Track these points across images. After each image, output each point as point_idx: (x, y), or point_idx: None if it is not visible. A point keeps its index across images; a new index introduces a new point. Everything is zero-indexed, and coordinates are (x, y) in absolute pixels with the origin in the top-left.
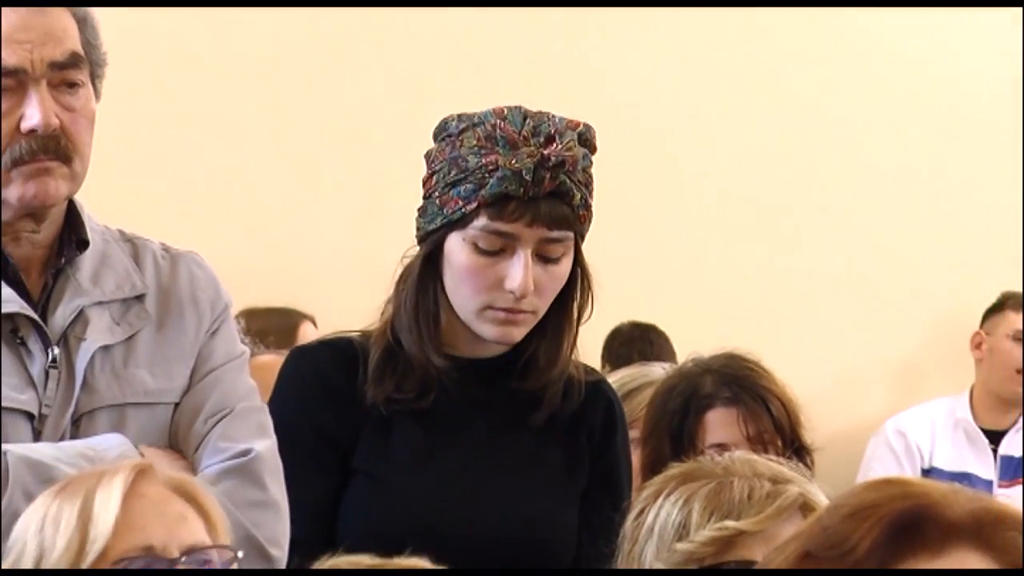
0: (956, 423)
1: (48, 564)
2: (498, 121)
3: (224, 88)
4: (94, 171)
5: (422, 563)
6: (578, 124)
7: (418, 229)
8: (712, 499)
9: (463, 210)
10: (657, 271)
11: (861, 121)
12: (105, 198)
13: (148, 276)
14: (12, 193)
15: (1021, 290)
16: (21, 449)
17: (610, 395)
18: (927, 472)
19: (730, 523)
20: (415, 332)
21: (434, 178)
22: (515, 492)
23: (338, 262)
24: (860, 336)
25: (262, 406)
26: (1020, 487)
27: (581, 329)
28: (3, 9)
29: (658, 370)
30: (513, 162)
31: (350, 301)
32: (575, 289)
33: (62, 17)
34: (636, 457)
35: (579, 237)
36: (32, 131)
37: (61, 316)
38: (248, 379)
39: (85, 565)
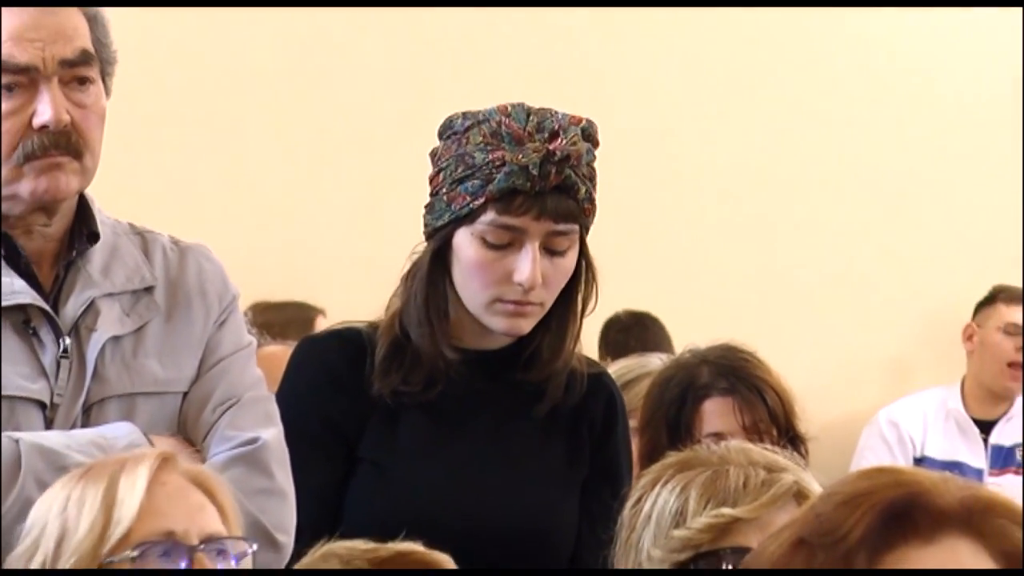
0: (948, 413)
1: (70, 544)
2: (503, 118)
3: (232, 86)
4: (105, 166)
5: (415, 547)
6: (581, 120)
7: (426, 226)
8: (708, 487)
9: (471, 206)
10: (655, 266)
11: (857, 119)
12: (116, 193)
13: (157, 268)
14: (24, 187)
15: (1014, 284)
16: (33, 437)
17: (611, 387)
18: (919, 461)
19: (726, 510)
20: (426, 326)
21: (441, 175)
22: (518, 482)
23: (344, 257)
24: (854, 328)
25: (269, 395)
26: (1010, 476)
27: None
28: (15, 8)
29: (656, 361)
30: (520, 157)
31: (356, 296)
32: (579, 282)
33: (73, 16)
34: (634, 446)
35: (584, 230)
36: (44, 127)
37: (72, 307)
38: (255, 369)
39: (107, 547)
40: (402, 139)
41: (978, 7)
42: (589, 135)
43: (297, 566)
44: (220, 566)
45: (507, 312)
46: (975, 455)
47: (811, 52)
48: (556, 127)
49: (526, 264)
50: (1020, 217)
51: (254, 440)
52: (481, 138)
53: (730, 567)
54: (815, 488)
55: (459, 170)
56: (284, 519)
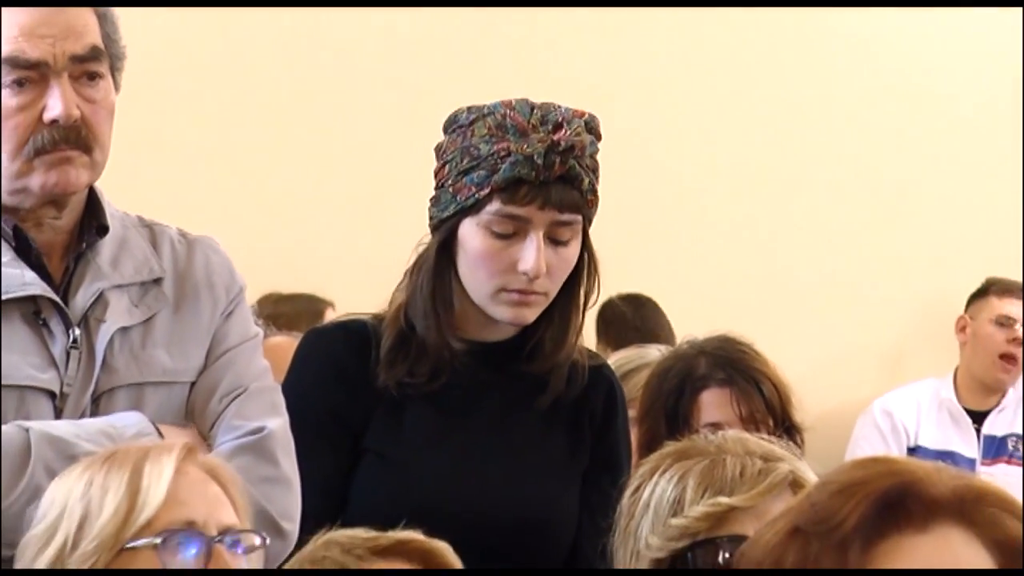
0: (941, 403)
1: (93, 527)
2: (507, 111)
3: (239, 81)
4: (114, 160)
5: (415, 535)
6: (584, 113)
7: (431, 218)
8: (706, 476)
9: (476, 196)
10: (653, 259)
11: (855, 116)
12: (125, 186)
13: (165, 260)
14: (35, 181)
15: (1006, 276)
16: (43, 426)
17: (611, 379)
18: (912, 451)
19: (723, 499)
20: (432, 317)
21: (446, 168)
22: (520, 473)
23: (351, 250)
24: (849, 320)
25: (275, 385)
26: (1002, 465)
27: None
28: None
29: (654, 352)
30: (524, 147)
31: (363, 288)
32: (582, 274)
33: (83, 12)
34: (633, 436)
35: (587, 221)
36: (54, 122)
37: (82, 299)
38: (261, 359)
39: (130, 532)
40: (408, 133)
41: (978, 7)
42: (592, 128)
43: (299, 554)
44: (235, 559)
45: (512, 301)
46: (968, 445)
47: (810, 48)
48: (560, 119)
49: (531, 253)
50: (1013, 211)
51: (260, 429)
52: (486, 130)
53: (727, 555)
54: (810, 477)
55: (464, 162)
56: (289, 507)
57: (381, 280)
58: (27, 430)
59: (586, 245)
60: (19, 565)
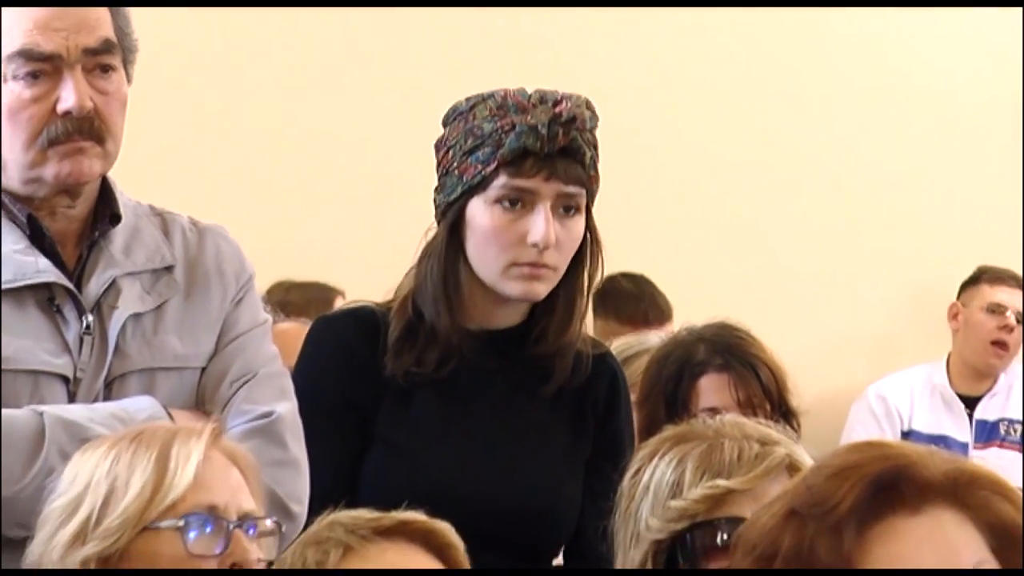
0: (934, 389)
1: (118, 505)
2: (506, 93)
3: (249, 71)
4: (126, 150)
5: (418, 516)
6: (580, 95)
7: (437, 206)
8: (704, 459)
9: (483, 173)
10: (649, 247)
11: (848, 105)
12: (137, 176)
13: (177, 248)
14: (49, 171)
15: (998, 264)
16: (56, 410)
17: (614, 367)
18: (906, 435)
19: (721, 482)
20: (443, 302)
21: (450, 153)
22: (525, 461)
23: (358, 239)
24: (843, 308)
25: (284, 371)
26: (994, 449)
27: None
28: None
29: (654, 338)
30: (528, 119)
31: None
32: (585, 256)
33: (95, 7)
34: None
35: (590, 198)
36: (67, 113)
37: (95, 286)
38: (270, 345)
39: (154, 512)
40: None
41: (978, 7)
42: (590, 107)
43: (304, 535)
44: (252, 544)
45: (523, 275)
46: (960, 429)
47: (809, 42)
48: (559, 97)
49: (539, 224)
50: (1004, 201)
51: (269, 413)
52: (487, 112)
53: (725, 536)
54: (806, 461)
55: (468, 142)
56: (298, 489)
57: (389, 269)
58: (41, 414)
59: (589, 227)
60: (39, 537)
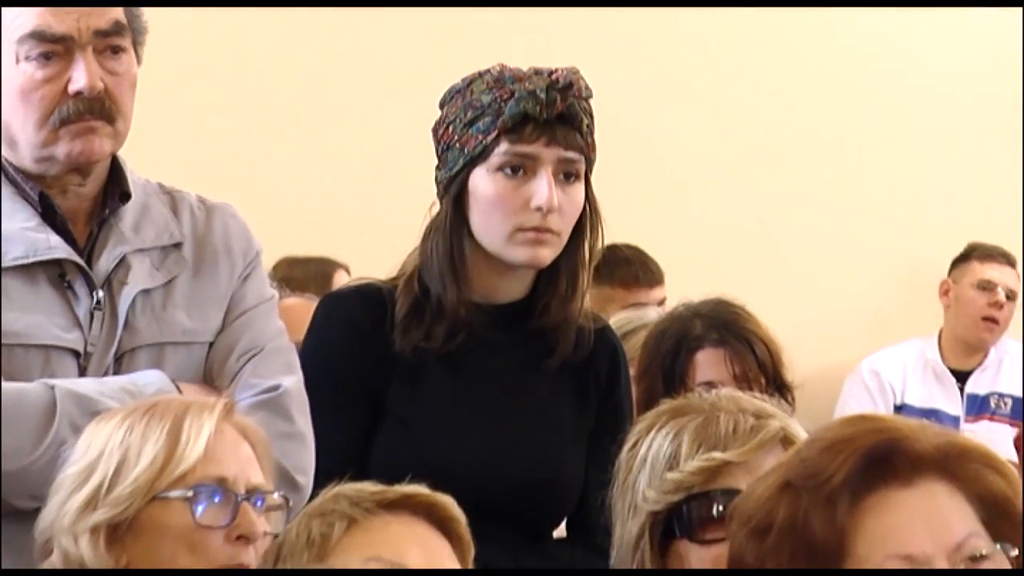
0: (926, 363)
1: (129, 474)
2: (502, 67)
3: (255, 52)
4: (136, 130)
5: (421, 489)
6: (573, 67)
7: (439, 182)
8: (700, 432)
9: (484, 143)
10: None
11: (844, 83)
12: (146, 155)
13: (185, 226)
14: (60, 150)
15: (988, 241)
16: (67, 384)
17: (614, 341)
18: (899, 409)
19: (717, 454)
20: (449, 275)
21: (450, 128)
22: (531, 434)
23: (362, 216)
24: (836, 284)
25: (290, 345)
26: (984, 422)
27: None
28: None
29: (652, 313)
30: (527, 85)
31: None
32: (585, 228)
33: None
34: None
35: (588, 166)
36: (79, 93)
37: (105, 262)
38: (277, 320)
39: (165, 482)
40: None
41: (978, 7)
42: (583, 78)
43: (308, 507)
44: (260, 517)
45: (528, 240)
46: (952, 403)
47: (808, 25)
48: (553, 68)
49: (543, 188)
50: (995, 178)
51: (276, 387)
52: (484, 85)
53: (721, 508)
54: (801, 434)
55: (468, 115)
56: (304, 461)
57: (396, 245)
58: (52, 387)
59: (589, 198)
60: (52, 503)
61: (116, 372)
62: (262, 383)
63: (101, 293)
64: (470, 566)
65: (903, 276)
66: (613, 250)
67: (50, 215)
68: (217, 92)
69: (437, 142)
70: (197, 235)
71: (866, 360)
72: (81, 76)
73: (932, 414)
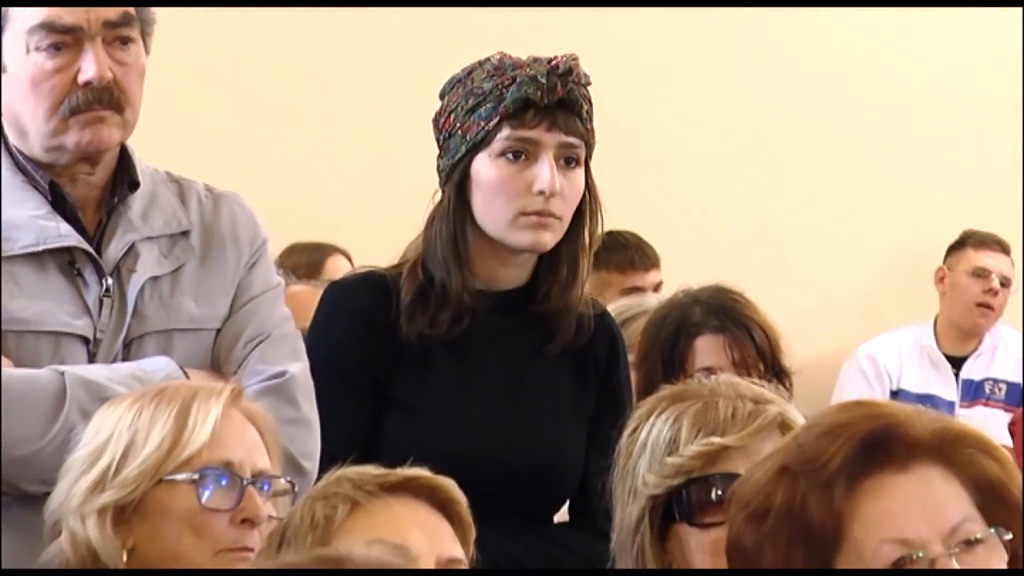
0: (922, 349)
1: (137, 456)
2: (502, 55)
3: (260, 42)
4: (145, 119)
5: (422, 472)
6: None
7: (441, 170)
8: (699, 417)
9: (486, 128)
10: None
11: (839, 74)
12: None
13: (193, 214)
14: (70, 139)
15: (982, 228)
16: (77, 370)
17: (613, 327)
18: (895, 394)
19: (715, 439)
20: (453, 261)
21: (451, 116)
22: (533, 419)
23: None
24: (836, 271)
25: (296, 332)
26: (980, 408)
27: None
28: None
29: (652, 300)
30: (527, 70)
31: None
32: (585, 214)
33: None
34: (631, 379)
35: (588, 152)
36: (88, 83)
37: (114, 250)
38: (283, 308)
39: (171, 465)
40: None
41: (978, 7)
42: (581, 65)
43: (312, 490)
44: (265, 502)
45: (531, 224)
46: (947, 388)
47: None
48: (552, 56)
49: (545, 172)
50: (989, 166)
51: (282, 373)
52: (485, 73)
53: (719, 492)
54: (798, 419)
55: (469, 102)
56: (309, 447)
57: (400, 232)
58: (62, 373)
59: (588, 185)
60: (61, 485)
61: (125, 358)
62: (269, 369)
63: (110, 280)
64: (471, 548)
65: (899, 263)
66: (609, 235)
67: (60, 203)
68: (221, 82)
69: (438, 131)
70: (205, 223)
71: (863, 346)
72: (90, 66)
73: (928, 399)
